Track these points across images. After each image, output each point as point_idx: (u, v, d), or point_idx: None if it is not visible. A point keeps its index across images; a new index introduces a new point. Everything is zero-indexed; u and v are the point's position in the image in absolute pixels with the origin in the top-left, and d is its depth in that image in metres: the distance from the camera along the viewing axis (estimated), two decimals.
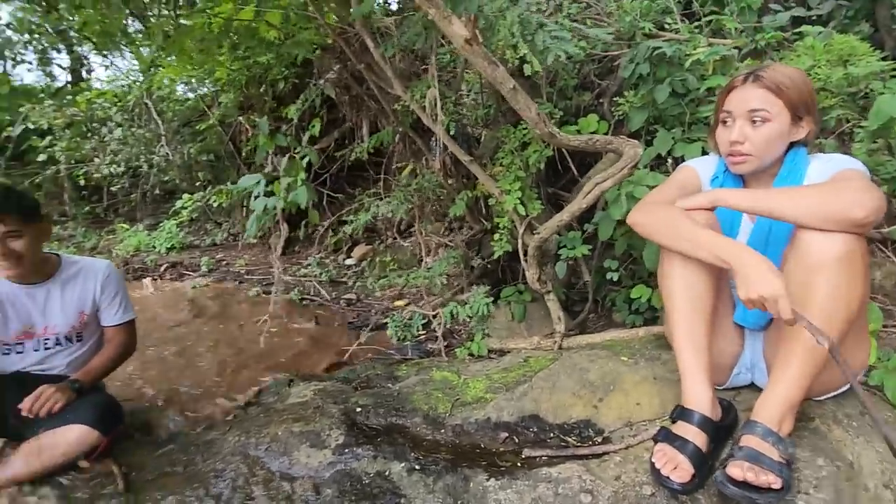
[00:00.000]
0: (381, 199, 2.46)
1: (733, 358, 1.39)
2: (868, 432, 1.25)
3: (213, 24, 1.74)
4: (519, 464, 1.34)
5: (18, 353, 1.60)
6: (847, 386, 1.32)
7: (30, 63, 7.17)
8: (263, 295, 3.96)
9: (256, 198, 2.07)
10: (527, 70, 1.42)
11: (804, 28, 2.39)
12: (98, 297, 1.67)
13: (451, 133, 1.90)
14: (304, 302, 3.76)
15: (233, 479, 1.39)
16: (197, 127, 5.66)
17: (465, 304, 2.20)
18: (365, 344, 2.70)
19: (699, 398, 1.19)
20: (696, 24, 2.33)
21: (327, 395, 1.80)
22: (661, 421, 1.41)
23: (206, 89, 4.90)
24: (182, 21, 1.81)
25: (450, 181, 2.25)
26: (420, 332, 2.51)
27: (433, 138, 1.98)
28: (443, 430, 1.54)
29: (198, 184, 6.05)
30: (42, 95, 5.67)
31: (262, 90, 4.00)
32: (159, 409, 2.00)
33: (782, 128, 1.23)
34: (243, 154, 5.47)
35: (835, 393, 1.33)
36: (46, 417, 1.41)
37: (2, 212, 1.43)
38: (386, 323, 2.62)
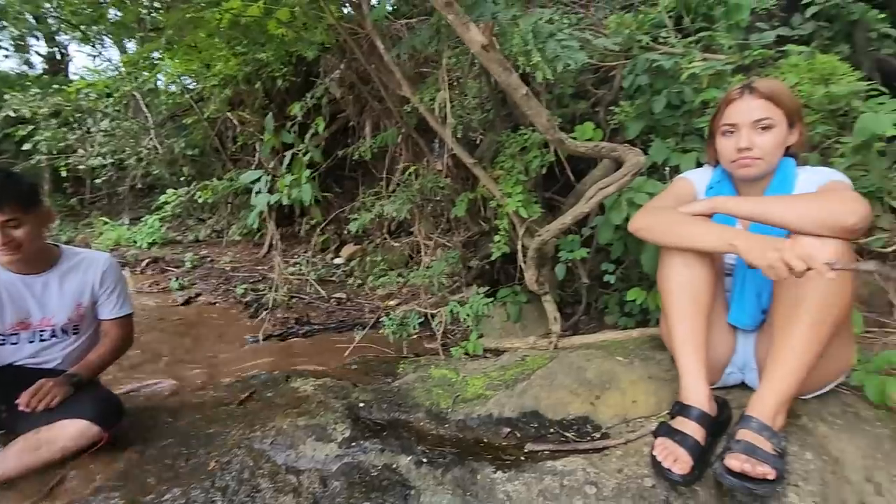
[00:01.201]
0: (382, 198, 2.48)
1: (726, 358, 1.45)
2: (851, 429, 1.33)
3: (223, 19, 1.74)
4: (523, 457, 1.38)
5: (13, 343, 1.57)
6: (830, 386, 1.40)
7: (6, 49, 6.96)
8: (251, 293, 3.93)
9: (258, 193, 2.07)
10: (538, 77, 1.47)
11: (788, 47, 2.52)
12: (97, 289, 1.65)
13: (458, 136, 1.94)
14: (292, 300, 3.74)
15: (238, 472, 1.39)
16: (183, 121, 5.57)
17: (464, 303, 2.24)
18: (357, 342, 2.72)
19: (698, 394, 1.25)
20: (689, 39, 2.43)
21: (328, 391, 1.82)
22: (657, 418, 1.47)
23: (195, 84, 4.84)
24: (192, 14, 1.80)
25: (450, 182, 2.29)
26: (415, 332, 2.54)
27: (435, 140, 2.01)
28: (446, 425, 1.57)
29: (182, 179, 5.96)
30: (29, 83, 5.50)
31: (255, 87, 3.98)
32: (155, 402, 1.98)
33: (783, 133, 1.33)
34: (230, 150, 5.42)
35: (818, 392, 1.41)
36: (43, 412, 1.39)
37: (1, 201, 1.39)
38: (381, 322, 2.64)
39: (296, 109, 2.29)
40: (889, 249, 2.08)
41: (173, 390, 2.11)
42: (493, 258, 2.17)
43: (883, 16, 3.51)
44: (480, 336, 2.33)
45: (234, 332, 3.16)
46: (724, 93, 1.83)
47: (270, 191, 2.14)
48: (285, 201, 2.00)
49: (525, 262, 2.01)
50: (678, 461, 1.17)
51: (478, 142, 2.60)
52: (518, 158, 2.05)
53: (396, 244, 4.15)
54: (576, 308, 2.38)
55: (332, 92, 2.41)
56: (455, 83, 2.23)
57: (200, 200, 4.84)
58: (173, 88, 5.05)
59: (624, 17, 2.44)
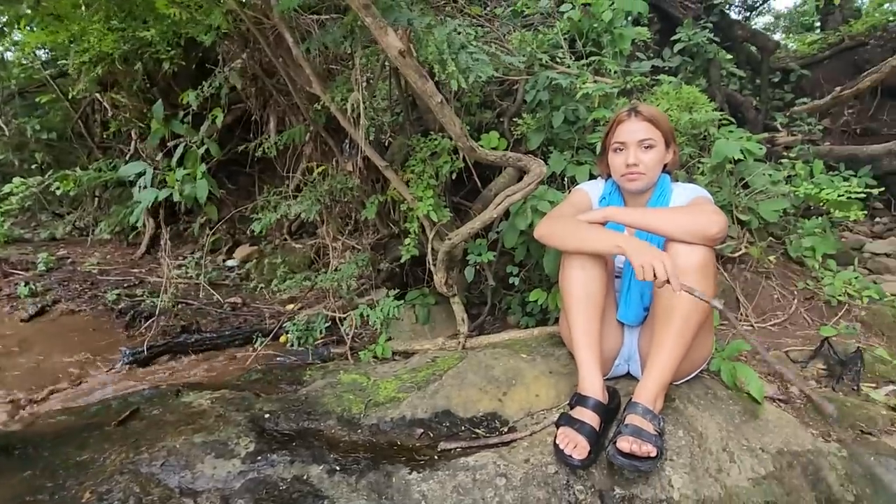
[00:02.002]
0: (287, 198, 2.36)
1: (615, 351, 1.63)
2: (711, 408, 1.56)
3: None
4: (437, 456, 1.41)
5: None
6: (696, 372, 1.64)
7: None
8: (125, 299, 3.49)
9: (143, 188, 1.84)
10: (452, 85, 1.51)
11: (661, 77, 2.88)
12: None
13: (370, 139, 1.92)
14: (178, 306, 3.40)
15: (122, 501, 1.24)
16: (37, 99, 4.78)
17: (373, 306, 2.22)
18: (257, 351, 2.55)
19: (593, 386, 1.39)
20: (581, 61, 2.67)
21: (228, 403, 1.69)
22: (558, 409, 1.59)
23: (60, 58, 4.18)
24: None
25: (359, 184, 2.25)
26: (321, 337, 2.46)
27: (346, 140, 1.97)
28: (359, 431, 1.55)
29: (34, 166, 5.11)
30: None
31: (134, 67, 3.55)
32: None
33: (662, 152, 1.56)
34: (99, 136, 4.77)
35: (687, 378, 1.63)
36: None
37: None
38: (284, 328, 2.51)
39: (190, 98, 2.09)
40: (737, 255, 2.47)
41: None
42: (402, 261, 2.18)
43: (730, 57, 4.17)
44: (390, 339, 2.33)
45: (106, 346, 2.79)
46: (612, 112, 2.06)
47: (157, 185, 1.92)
48: (177, 198, 1.81)
49: (435, 265, 2.05)
50: (577, 447, 1.29)
51: (387, 144, 2.59)
52: (429, 163, 2.09)
53: (298, 246, 3.98)
54: (481, 309, 2.48)
55: (233, 82, 2.24)
56: (366, 84, 2.21)
57: (59, 192, 4.16)
58: (10, 57, 4.31)
59: (526, 35, 2.61)
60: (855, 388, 1.80)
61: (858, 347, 1.88)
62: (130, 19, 2.43)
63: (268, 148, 2.22)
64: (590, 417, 1.35)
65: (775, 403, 1.71)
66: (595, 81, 2.36)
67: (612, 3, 2.51)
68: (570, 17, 2.62)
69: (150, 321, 3.09)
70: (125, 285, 3.92)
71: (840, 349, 1.92)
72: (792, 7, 9.05)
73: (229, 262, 4.28)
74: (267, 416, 1.58)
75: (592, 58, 2.57)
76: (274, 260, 3.77)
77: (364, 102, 1.68)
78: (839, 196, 2.56)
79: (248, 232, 3.23)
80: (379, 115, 2.48)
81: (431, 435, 1.53)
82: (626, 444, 1.23)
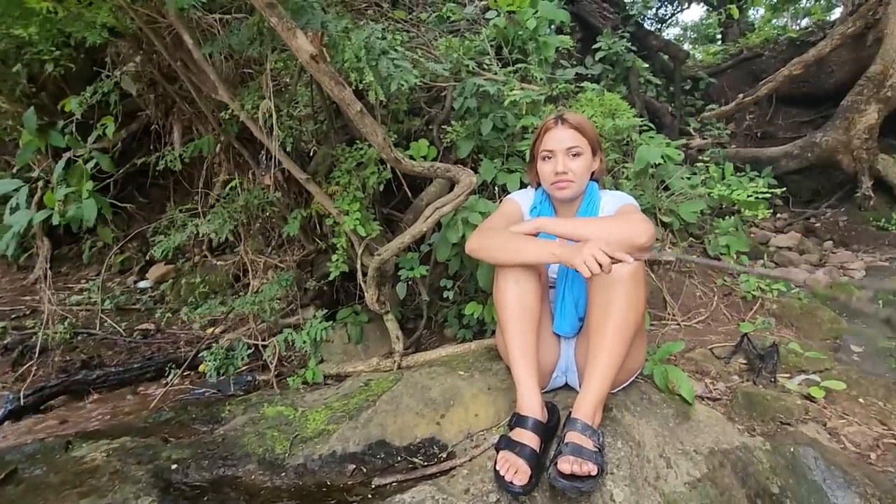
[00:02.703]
0: (198, 215, 2.13)
1: (553, 363, 1.60)
2: (647, 414, 1.57)
3: None
4: (370, 495, 1.30)
5: None
6: (631, 379, 1.64)
7: None
8: (13, 332, 3.07)
9: (15, 209, 1.56)
10: (370, 96, 1.42)
11: (585, 84, 2.95)
12: None
13: (287, 149, 1.77)
14: (78, 337, 3.03)
15: None
16: None
17: (298, 328, 2.06)
18: (171, 384, 2.30)
19: (532, 404, 1.34)
20: (508, 68, 2.67)
21: (127, 455, 1.47)
22: (498, 429, 1.53)
23: None
24: None
25: (280, 198, 2.09)
26: (244, 364, 2.25)
27: (262, 151, 1.81)
28: (283, 474, 1.40)
29: None
30: None
31: (12, 70, 3.12)
32: None
33: (589, 160, 1.55)
34: None
35: (623, 385, 1.64)
36: None
37: None
38: (200, 356, 2.28)
39: (72, 105, 1.82)
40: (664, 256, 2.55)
41: None
42: (330, 278, 2.04)
43: (647, 66, 4.39)
44: (320, 362, 2.17)
45: None
46: (540, 119, 2.05)
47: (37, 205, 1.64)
48: (56, 220, 1.56)
49: (365, 282, 1.94)
50: (518, 472, 1.23)
51: (311, 154, 2.44)
52: (355, 174, 1.97)
53: (220, 263, 3.68)
54: (417, 323, 2.39)
55: (126, 87, 1.99)
56: (283, 90, 2.05)
57: None
58: None
59: (452, 41, 2.56)
60: (773, 380, 1.89)
61: (774, 342, 1.98)
62: (2, 15, 2.11)
63: (170, 160, 2.00)
64: (529, 438, 1.29)
65: (704, 402, 1.76)
66: (522, 88, 2.36)
67: (536, 11, 2.52)
68: (496, 24, 2.61)
69: (43, 357, 2.72)
70: (13, 316, 3.45)
71: (758, 343, 2.02)
72: (698, 20, 9.80)
73: (141, 284, 3.89)
74: (174, 466, 1.39)
75: (519, 65, 2.57)
76: (192, 280, 3.46)
77: (278, 110, 1.54)
78: (748, 196, 2.73)
79: (171, 253, 2.93)
80: (301, 124, 2.32)
81: (364, 470, 1.42)
82: (566, 465, 1.19)
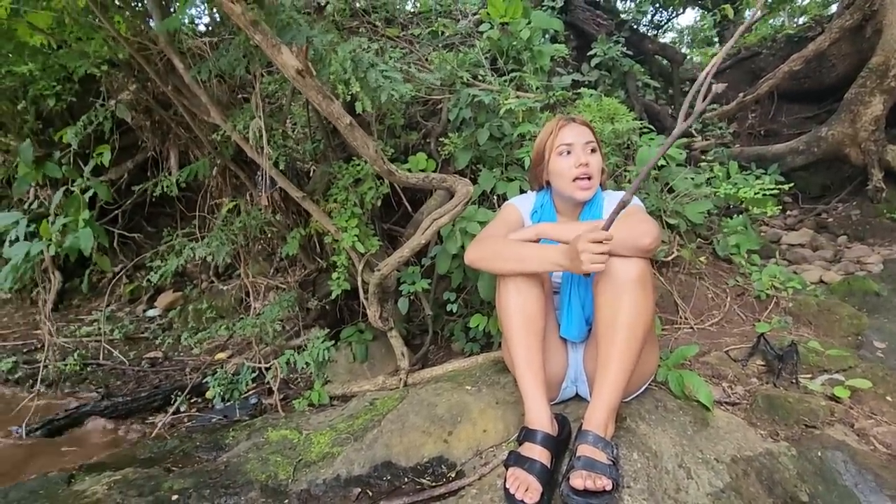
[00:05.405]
0: (197, 239, 2.13)
1: (562, 373, 1.54)
2: (662, 422, 1.50)
3: None
4: None
5: None
6: (644, 386, 1.58)
7: None
8: (24, 366, 3.07)
9: (14, 242, 1.56)
10: (357, 108, 1.40)
11: (582, 90, 2.93)
12: None
13: (281, 168, 1.76)
14: (87, 368, 3.03)
15: None
16: None
17: (303, 349, 2.03)
18: (178, 412, 2.27)
19: (541, 418, 1.29)
20: (503, 78, 2.66)
21: (129, 487, 1.43)
22: (507, 444, 1.47)
23: None
24: None
25: (278, 218, 2.07)
26: (250, 388, 2.22)
27: (258, 172, 1.81)
28: (286, 501, 1.35)
29: None
30: None
31: (18, 108, 3.19)
32: None
33: (601, 158, 1.52)
34: None
35: (637, 393, 1.57)
36: None
37: None
38: (206, 382, 2.25)
39: (69, 136, 1.83)
40: (670, 258, 2.49)
41: None
42: (332, 297, 2.01)
43: (644, 70, 4.37)
44: (326, 383, 2.13)
45: None
46: (537, 127, 2.02)
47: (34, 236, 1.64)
48: (52, 251, 1.55)
49: (367, 299, 1.90)
50: (529, 490, 1.18)
51: (310, 173, 2.44)
52: (352, 190, 1.95)
53: (226, 288, 3.68)
54: (423, 339, 2.34)
55: (121, 115, 2.01)
56: (277, 110, 2.05)
57: None
58: None
59: (446, 55, 2.57)
60: (794, 381, 1.81)
61: (792, 341, 1.91)
62: (8, 54, 2.15)
63: (167, 186, 2.00)
64: (539, 453, 1.24)
65: (723, 407, 1.69)
66: (518, 97, 2.35)
67: (529, 21, 2.52)
68: (489, 37, 2.61)
69: (51, 390, 2.72)
70: (25, 350, 3.47)
71: (776, 344, 1.95)
72: (693, 23, 9.82)
73: (150, 312, 3.90)
74: (175, 497, 1.35)
75: (514, 74, 2.57)
76: (200, 306, 3.46)
77: (270, 129, 1.53)
78: (755, 194, 2.67)
79: (169, 278, 2.92)
80: (297, 144, 2.32)
81: (370, 494, 1.36)
82: (579, 480, 1.13)
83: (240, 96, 2.07)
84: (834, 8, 5.85)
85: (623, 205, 1.17)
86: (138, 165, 3.67)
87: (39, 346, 3.55)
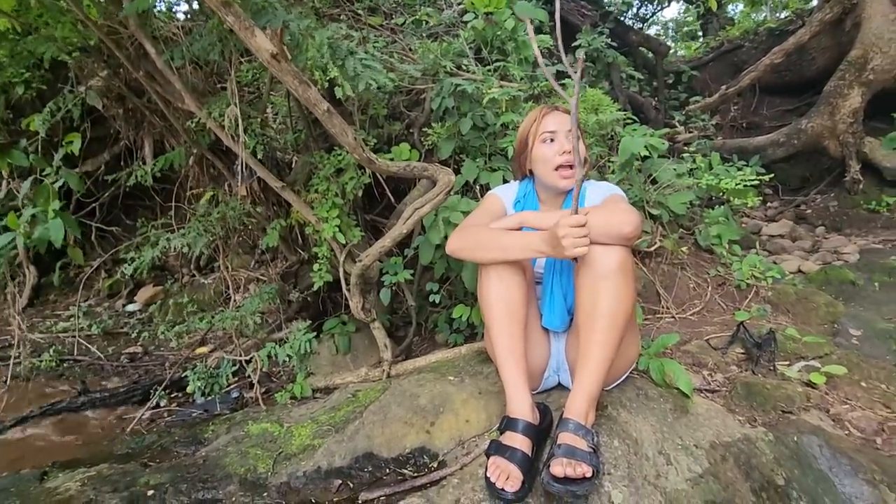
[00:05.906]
0: (174, 230, 2.08)
1: (543, 363, 1.54)
2: (643, 410, 1.51)
3: None
4: None
5: None
6: (626, 374, 1.59)
7: None
8: None
9: None
10: (338, 93, 1.37)
11: (567, 81, 2.92)
12: None
13: (259, 157, 1.72)
14: (64, 364, 2.96)
15: None
16: None
17: (284, 342, 2.00)
18: (157, 406, 2.23)
19: (522, 406, 1.29)
20: (487, 68, 2.64)
21: (103, 483, 1.40)
22: (489, 434, 1.47)
23: None
24: None
25: (258, 209, 2.03)
26: (231, 382, 2.19)
27: (237, 162, 1.77)
28: (265, 494, 1.34)
29: None
30: None
31: None
32: None
33: (584, 147, 1.52)
34: None
35: (618, 381, 1.58)
36: None
37: None
38: (186, 377, 2.21)
39: (36, 123, 1.77)
40: (653, 248, 2.51)
41: None
42: (314, 288, 1.99)
43: (629, 61, 4.38)
44: (308, 375, 2.11)
45: None
46: (521, 116, 2.01)
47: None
48: (21, 243, 1.50)
49: (349, 290, 1.88)
50: (510, 478, 1.17)
51: (292, 164, 2.39)
52: (333, 180, 1.92)
53: (207, 281, 3.62)
54: (407, 330, 2.33)
55: (91, 103, 1.94)
56: (257, 99, 2.01)
57: None
58: None
59: (430, 45, 2.54)
60: (772, 368, 1.84)
61: (771, 329, 1.94)
62: None
63: (141, 176, 1.94)
64: (521, 442, 1.23)
65: (703, 394, 1.71)
66: (501, 87, 2.33)
67: (513, 12, 2.50)
68: (474, 27, 2.58)
69: (26, 385, 2.65)
70: None
71: (755, 332, 1.97)
72: (677, 15, 9.88)
73: (130, 307, 3.83)
74: (151, 493, 1.32)
75: (498, 63, 2.54)
76: (180, 300, 3.40)
77: (248, 117, 1.49)
78: (736, 185, 2.70)
79: (146, 271, 2.85)
80: (278, 133, 2.28)
81: (351, 485, 1.35)
82: (559, 468, 1.13)
83: (218, 85, 2.02)
84: (815, 2, 5.92)
85: (582, 179, 1.18)
86: (115, 157, 3.57)
87: (14, 342, 3.46)
